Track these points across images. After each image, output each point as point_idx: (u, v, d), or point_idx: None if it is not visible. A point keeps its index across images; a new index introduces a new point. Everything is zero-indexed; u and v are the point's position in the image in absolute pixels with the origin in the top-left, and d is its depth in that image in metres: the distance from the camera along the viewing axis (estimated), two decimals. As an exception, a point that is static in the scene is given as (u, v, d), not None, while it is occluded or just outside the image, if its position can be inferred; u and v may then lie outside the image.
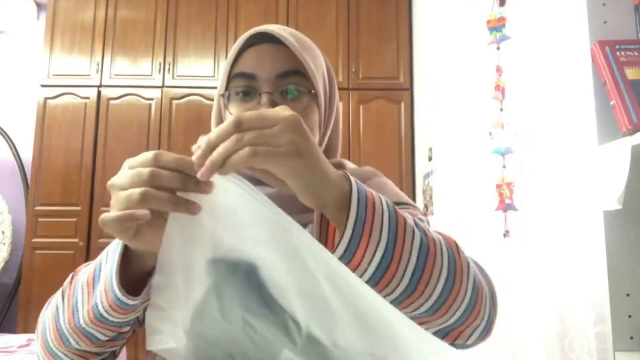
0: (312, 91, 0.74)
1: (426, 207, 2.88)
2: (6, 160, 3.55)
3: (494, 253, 1.83)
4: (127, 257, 0.55)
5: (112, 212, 0.47)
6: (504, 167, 1.64)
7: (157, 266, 0.50)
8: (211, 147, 0.46)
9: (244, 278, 0.47)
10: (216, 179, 0.47)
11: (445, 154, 2.55)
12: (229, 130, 0.46)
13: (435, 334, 0.58)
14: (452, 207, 2.38)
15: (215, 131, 0.46)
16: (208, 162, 0.45)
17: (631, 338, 0.98)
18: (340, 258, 0.49)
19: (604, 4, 1.05)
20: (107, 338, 0.59)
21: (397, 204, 0.72)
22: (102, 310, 0.55)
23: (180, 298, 0.50)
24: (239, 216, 0.48)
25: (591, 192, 1.17)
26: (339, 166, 0.80)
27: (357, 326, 0.46)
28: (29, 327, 3.01)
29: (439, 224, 2.61)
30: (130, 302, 0.54)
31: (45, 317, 0.63)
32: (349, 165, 0.82)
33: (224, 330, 0.49)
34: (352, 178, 0.52)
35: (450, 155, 2.47)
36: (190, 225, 0.48)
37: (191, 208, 0.48)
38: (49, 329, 0.61)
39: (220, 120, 0.80)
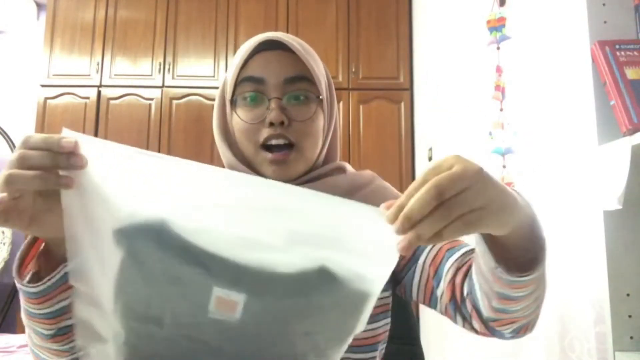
0: (320, 97, 0.77)
1: (426, 207, 2.88)
2: (6, 161, 3.55)
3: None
4: (48, 248, 0.56)
5: None
6: (504, 167, 1.64)
7: (67, 251, 0.50)
8: (410, 219, 0.42)
9: (155, 236, 0.47)
10: (87, 150, 0.47)
11: (445, 154, 2.54)
12: (430, 203, 0.42)
13: (514, 329, 0.64)
14: (452, 207, 2.37)
15: (413, 203, 0.42)
16: (414, 237, 0.42)
17: (631, 338, 0.98)
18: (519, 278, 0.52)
19: (604, 4, 1.05)
20: (49, 332, 0.58)
21: None
22: (23, 303, 0.56)
23: (98, 276, 0.49)
24: (127, 179, 0.47)
25: (591, 192, 1.17)
26: (340, 170, 0.82)
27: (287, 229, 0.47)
28: (29, 327, 3.01)
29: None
30: (31, 289, 0.53)
31: None
32: (349, 169, 0.84)
33: (149, 294, 0.49)
34: (528, 201, 0.54)
35: (450, 155, 2.46)
36: (84, 202, 0.48)
37: (63, 182, 0.47)
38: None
39: (224, 126, 0.80)
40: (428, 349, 1.11)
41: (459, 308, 0.69)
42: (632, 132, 0.89)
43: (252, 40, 0.76)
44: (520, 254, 0.52)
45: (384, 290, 0.75)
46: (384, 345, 0.79)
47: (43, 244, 0.56)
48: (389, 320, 0.80)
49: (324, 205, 0.47)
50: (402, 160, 3.23)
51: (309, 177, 0.77)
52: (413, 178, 3.23)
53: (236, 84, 0.76)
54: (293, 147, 0.74)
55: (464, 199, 0.43)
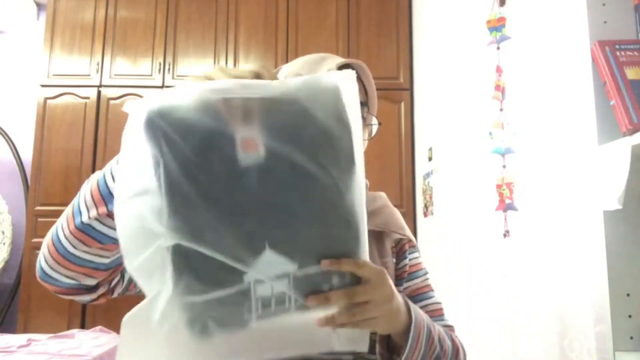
0: (380, 124, 0.90)
1: (426, 207, 2.88)
2: (6, 160, 3.55)
3: (494, 253, 1.83)
4: None
5: None
6: (504, 167, 1.64)
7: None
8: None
9: (173, 115, 0.53)
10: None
11: (445, 154, 2.55)
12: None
13: None
14: (452, 207, 2.38)
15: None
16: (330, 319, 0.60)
17: (631, 338, 0.98)
18: None
19: (604, 4, 1.05)
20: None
21: (400, 237, 0.92)
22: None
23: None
24: None
25: (591, 192, 1.17)
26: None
27: None
28: (29, 327, 3.01)
29: (439, 224, 2.61)
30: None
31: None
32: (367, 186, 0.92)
33: (188, 177, 0.53)
34: (412, 311, 0.72)
35: (450, 155, 2.47)
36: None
37: None
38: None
39: None
40: (428, 349, 1.11)
41: None
42: (632, 132, 0.89)
43: (330, 60, 0.85)
44: (399, 346, 0.73)
45: None
46: None
47: None
48: None
49: None
50: (402, 160, 3.23)
51: None
52: (413, 178, 3.23)
53: None
54: None
55: (368, 308, 0.61)
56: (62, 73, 3.31)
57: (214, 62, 3.36)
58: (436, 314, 0.90)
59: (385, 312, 0.64)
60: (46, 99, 3.28)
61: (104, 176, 0.62)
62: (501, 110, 1.68)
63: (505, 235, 1.65)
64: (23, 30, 3.76)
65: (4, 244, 3.37)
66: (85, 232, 0.61)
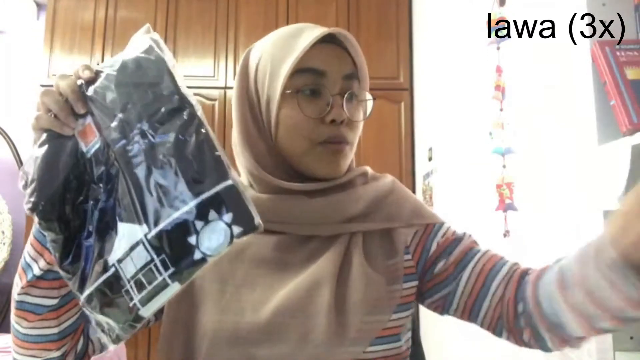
0: (374, 98, 0.78)
1: (426, 207, 2.88)
2: (6, 160, 3.55)
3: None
4: None
5: None
6: (504, 167, 1.64)
7: None
8: None
9: None
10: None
11: (445, 154, 2.55)
12: None
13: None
14: (452, 207, 2.38)
15: None
16: None
17: (631, 338, 0.98)
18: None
19: (604, 4, 1.05)
20: (52, 303, 0.66)
21: (417, 216, 0.81)
22: (29, 260, 0.67)
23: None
24: None
25: (591, 192, 1.17)
26: (364, 176, 0.82)
27: None
28: (29, 327, 3.00)
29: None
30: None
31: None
32: (370, 173, 0.85)
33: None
34: None
35: (450, 155, 2.47)
36: None
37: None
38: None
39: (247, 128, 0.74)
40: (428, 349, 1.11)
41: (510, 324, 0.71)
42: (632, 132, 0.89)
43: (314, 34, 0.70)
44: None
45: (404, 310, 0.75)
46: None
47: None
48: (409, 336, 0.79)
49: None
50: (402, 160, 3.23)
51: (339, 182, 0.76)
52: (413, 178, 3.23)
53: (290, 75, 0.70)
54: (347, 144, 0.74)
55: None
56: (62, 73, 3.30)
57: (214, 62, 3.35)
58: (495, 259, 0.76)
59: None
60: (46, 99, 3.27)
61: (23, 255, 0.67)
62: (501, 110, 1.68)
63: (505, 235, 1.65)
64: (23, 30, 3.76)
65: (4, 244, 3.37)
66: (21, 309, 0.66)
